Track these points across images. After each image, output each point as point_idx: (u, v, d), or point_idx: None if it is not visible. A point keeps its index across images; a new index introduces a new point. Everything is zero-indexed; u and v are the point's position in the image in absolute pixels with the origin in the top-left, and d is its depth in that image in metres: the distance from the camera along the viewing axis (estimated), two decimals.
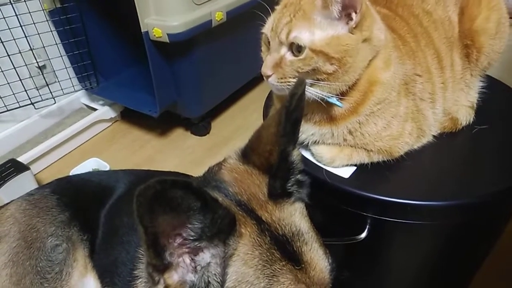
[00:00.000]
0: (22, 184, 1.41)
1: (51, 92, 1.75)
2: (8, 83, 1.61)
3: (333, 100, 0.72)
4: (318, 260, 0.53)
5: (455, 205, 0.76)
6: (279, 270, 0.49)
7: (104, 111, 1.93)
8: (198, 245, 0.48)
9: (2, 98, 1.62)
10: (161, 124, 1.92)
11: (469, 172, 0.83)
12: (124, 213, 0.90)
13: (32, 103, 1.71)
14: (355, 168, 0.83)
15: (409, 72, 0.79)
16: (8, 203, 0.93)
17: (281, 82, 0.70)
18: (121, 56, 2.02)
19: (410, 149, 0.83)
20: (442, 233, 0.84)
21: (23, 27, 1.57)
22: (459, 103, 0.90)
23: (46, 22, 1.68)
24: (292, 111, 0.54)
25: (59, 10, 1.67)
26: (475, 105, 0.92)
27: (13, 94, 1.64)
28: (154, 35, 1.42)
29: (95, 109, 1.96)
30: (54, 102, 1.79)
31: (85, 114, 1.93)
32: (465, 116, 0.91)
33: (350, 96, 0.73)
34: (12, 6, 1.52)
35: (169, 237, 0.46)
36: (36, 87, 1.73)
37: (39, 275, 0.81)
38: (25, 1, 1.56)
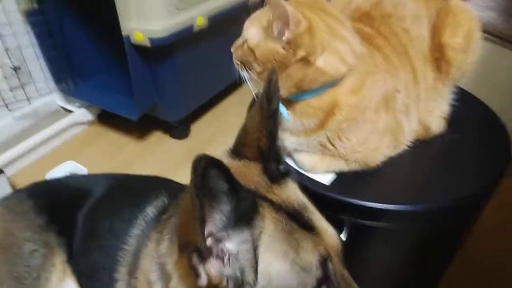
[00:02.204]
0: None
1: (25, 94, 1.71)
2: None
3: (282, 110, 0.77)
4: (327, 226, 0.58)
5: (423, 210, 0.81)
6: (300, 238, 0.53)
7: (81, 114, 1.90)
8: (224, 234, 0.49)
9: None
10: (139, 127, 1.90)
11: (440, 178, 0.88)
12: (104, 217, 0.90)
13: (5, 105, 1.66)
14: (335, 175, 0.87)
15: (390, 90, 0.84)
16: None
17: (236, 62, 0.81)
18: (99, 57, 1.99)
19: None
20: (412, 236, 0.89)
21: None
22: (433, 114, 0.95)
23: (22, 22, 1.64)
24: (271, 95, 0.57)
25: (36, 10, 1.63)
26: (446, 116, 0.98)
27: None
28: (136, 39, 1.42)
29: (71, 111, 1.92)
30: (29, 103, 1.75)
31: (61, 116, 1.88)
32: (437, 125, 0.96)
33: (315, 113, 0.79)
34: None
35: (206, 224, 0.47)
36: (10, 88, 1.68)
37: (16, 281, 0.80)
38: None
